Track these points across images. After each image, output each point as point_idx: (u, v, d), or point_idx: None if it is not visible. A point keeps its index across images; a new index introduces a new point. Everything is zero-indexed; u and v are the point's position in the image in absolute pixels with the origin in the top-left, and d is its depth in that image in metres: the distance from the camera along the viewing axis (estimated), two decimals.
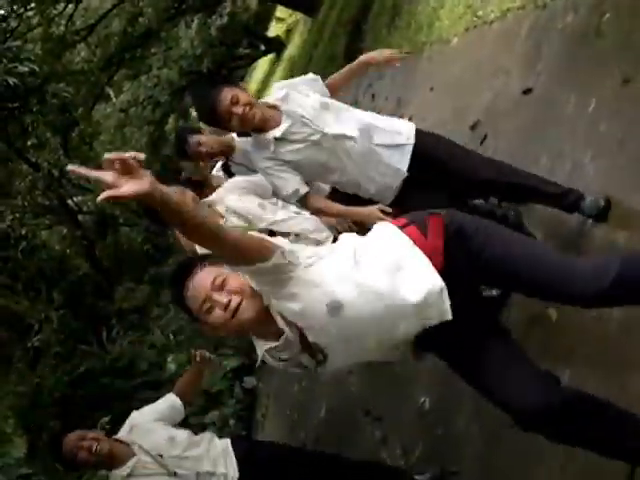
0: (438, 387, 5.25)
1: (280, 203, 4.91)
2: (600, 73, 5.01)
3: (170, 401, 5.34)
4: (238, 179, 5.19)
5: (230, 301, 2.95)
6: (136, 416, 5.20)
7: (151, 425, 5.10)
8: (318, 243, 4.60)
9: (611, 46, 5.04)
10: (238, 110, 4.45)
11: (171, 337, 10.62)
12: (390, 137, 4.58)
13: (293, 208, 4.93)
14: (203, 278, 3.02)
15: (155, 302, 13.29)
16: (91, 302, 13.85)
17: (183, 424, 7.20)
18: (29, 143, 14.52)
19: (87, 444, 4.76)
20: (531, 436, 4.04)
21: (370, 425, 6.05)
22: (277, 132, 4.53)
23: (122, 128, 18.55)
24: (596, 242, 4.30)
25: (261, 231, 4.42)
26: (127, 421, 5.14)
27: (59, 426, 10.14)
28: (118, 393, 10.70)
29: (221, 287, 2.99)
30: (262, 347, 3.09)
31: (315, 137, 4.51)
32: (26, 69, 11.82)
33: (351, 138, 4.50)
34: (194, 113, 25.37)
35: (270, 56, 23.00)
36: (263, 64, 23.02)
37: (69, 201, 15.82)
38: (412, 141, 4.60)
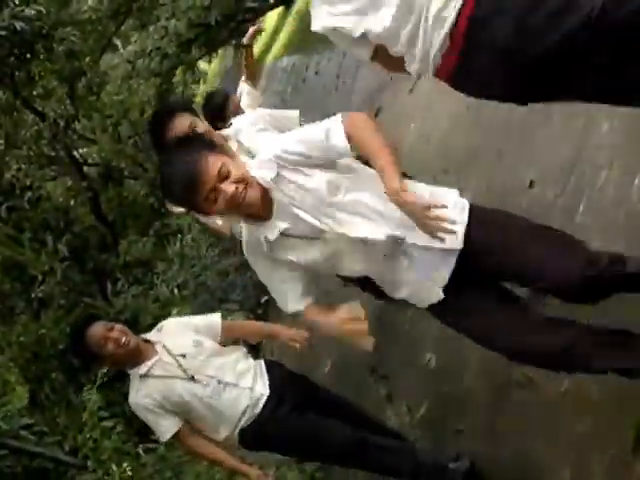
0: (444, 345, 5.24)
1: None
2: None
3: (209, 320, 5.13)
4: (262, 112, 5.00)
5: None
6: (167, 320, 5.17)
7: (180, 328, 4.99)
8: None
9: None
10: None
11: (175, 291, 10.59)
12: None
13: None
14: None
15: (159, 256, 13.28)
16: (96, 255, 13.84)
17: None
18: (35, 92, 14.45)
19: (115, 335, 4.68)
20: (537, 396, 4.04)
21: (375, 383, 6.05)
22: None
23: (129, 79, 18.39)
24: None
25: None
26: (158, 324, 5.05)
27: (61, 378, 10.22)
28: None
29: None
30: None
31: None
32: (33, 12, 11.71)
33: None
34: (201, 65, 25.25)
35: (279, 9, 22.82)
36: (272, 17, 22.82)
37: (75, 152, 15.76)
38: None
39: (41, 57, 13.68)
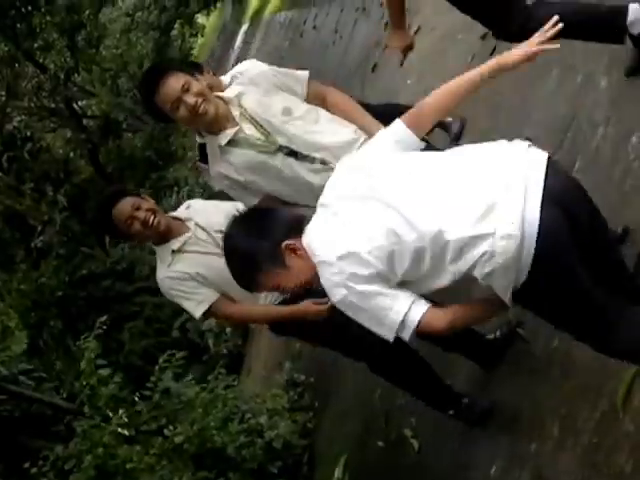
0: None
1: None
2: None
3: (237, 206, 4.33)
4: (267, 71, 4.38)
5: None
6: (194, 200, 4.94)
7: (209, 206, 4.70)
8: None
9: None
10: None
11: None
12: None
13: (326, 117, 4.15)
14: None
15: None
16: (94, 205, 13.90)
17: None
18: (36, 45, 14.47)
19: (143, 215, 4.34)
20: (528, 353, 4.04)
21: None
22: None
23: (128, 32, 18.41)
24: None
25: (280, 149, 3.99)
26: (184, 203, 4.79)
27: (59, 325, 10.29)
28: (117, 296, 10.81)
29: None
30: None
31: None
32: None
33: None
34: (199, 19, 25.10)
35: None
36: None
37: (74, 105, 15.80)
38: None
39: (42, 10, 13.72)
